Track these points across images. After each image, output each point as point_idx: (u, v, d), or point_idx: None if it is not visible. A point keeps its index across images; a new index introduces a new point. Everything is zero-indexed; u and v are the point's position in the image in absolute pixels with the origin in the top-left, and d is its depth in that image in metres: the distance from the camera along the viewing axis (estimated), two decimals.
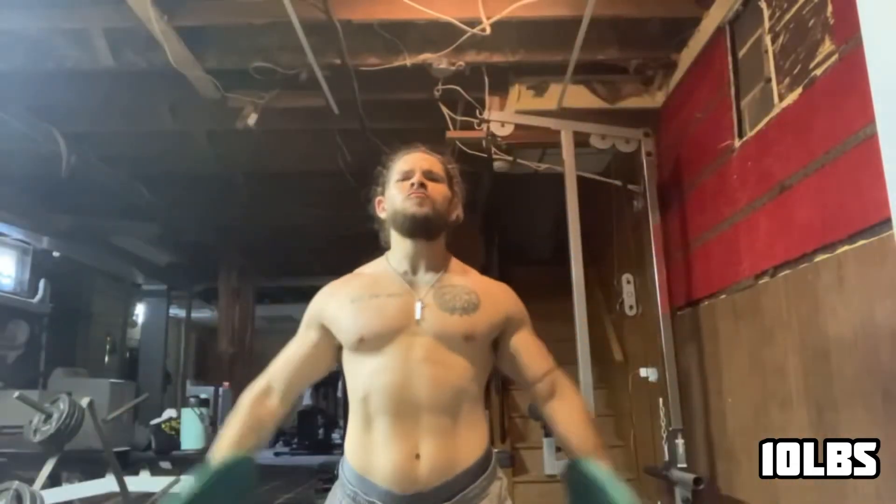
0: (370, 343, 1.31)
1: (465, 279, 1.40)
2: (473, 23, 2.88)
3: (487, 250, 5.74)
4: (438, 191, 1.39)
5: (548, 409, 1.42)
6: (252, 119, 3.38)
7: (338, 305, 1.37)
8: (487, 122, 3.30)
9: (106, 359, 8.23)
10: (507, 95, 3.45)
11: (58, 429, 2.45)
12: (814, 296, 2.00)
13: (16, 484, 2.06)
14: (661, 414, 3.06)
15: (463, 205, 1.48)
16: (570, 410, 1.41)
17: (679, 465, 2.83)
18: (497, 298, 1.40)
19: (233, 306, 8.11)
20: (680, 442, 2.87)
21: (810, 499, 2.02)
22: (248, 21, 2.96)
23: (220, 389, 8.00)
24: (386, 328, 1.31)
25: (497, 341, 1.41)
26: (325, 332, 1.38)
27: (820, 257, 1.96)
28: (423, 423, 1.26)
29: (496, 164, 3.55)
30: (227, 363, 8.05)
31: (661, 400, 3.06)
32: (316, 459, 7.62)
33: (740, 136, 2.52)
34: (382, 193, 1.46)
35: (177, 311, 10.11)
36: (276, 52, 3.15)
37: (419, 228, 1.36)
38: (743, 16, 2.55)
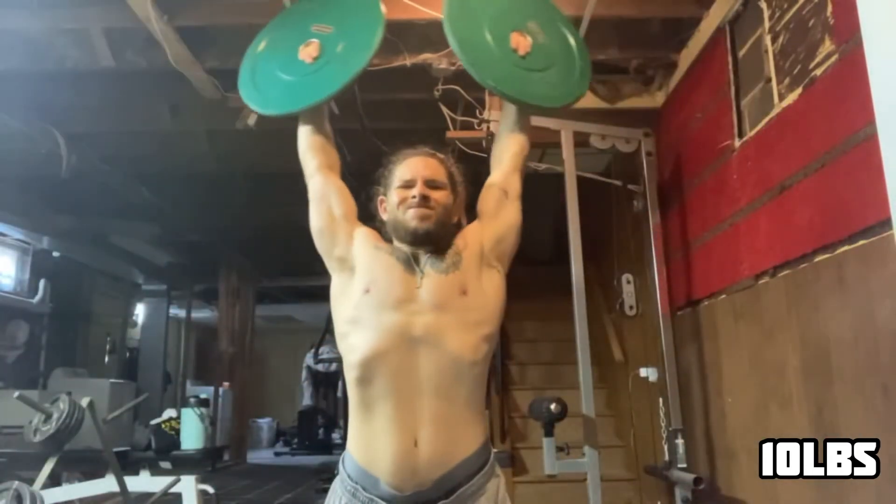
0: (373, 297, 1.33)
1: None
2: None
3: None
4: (440, 200, 1.40)
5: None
6: (252, 119, 3.38)
7: (367, 240, 1.42)
8: (487, 122, 3.30)
9: (106, 359, 8.22)
10: None
11: (58, 429, 2.44)
12: (814, 296, 2.00)
13: (16, 484, 2.05)
14: (661, 414, 3.06)
15: (465, 206, 1.50)
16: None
17: (679, 465, 2.83)
18: (468, 238, 1.45)
19: (233, 306, 8.11)
20: (680, 442, 2.87)
21: (810, 499, 2.02)
22: (248, 21, 2.96)
23: (221, 389, 8.01)
24: (390, 289, 1.33)
25: (498, 243, 1.47)
26: (345, 223, 1.45)
27: (820, 257, 1.96)
28: (422, 408, 1.27)
29: None
30: (227, 363, 8.04)
31: (661, 400, 3.06)
32: (316, 459, 7.63)
33: (740, 136, 2.52)
34: (384, 193, 1.46)
35: (177, 311, 10.11)
36: None
37: (420, 242, 1.39)
38: (743, 16, 2.55)
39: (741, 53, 2.56)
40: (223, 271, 8.15)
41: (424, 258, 1.39)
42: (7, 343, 6.35)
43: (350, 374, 1.33)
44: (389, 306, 1.31)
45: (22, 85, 3.53)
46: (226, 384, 8.11)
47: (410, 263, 1.38)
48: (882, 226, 1.63)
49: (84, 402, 2.52)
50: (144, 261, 8.15)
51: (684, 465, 2.83)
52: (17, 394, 2.45)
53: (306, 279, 8.23)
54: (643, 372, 3.21)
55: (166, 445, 7.93)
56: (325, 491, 1.41)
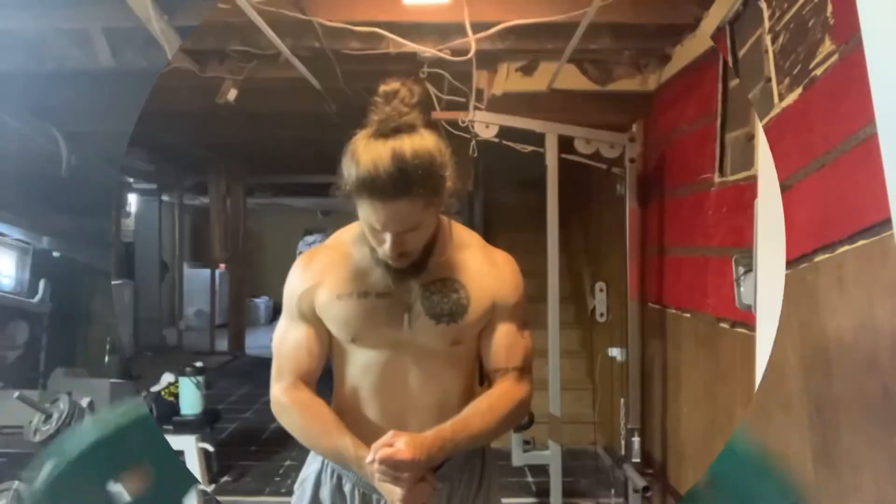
0: (361, 343, 1.32)
1: (456, 267, 1.31)
2: (461, 29, 2.84)
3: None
4: (418, 237, 1.22)
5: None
6: (232, 94, 3.32)
7: (327, 298, 1.30)
8: (472, 122, 3.26)
9: (106, 359, 8.21)
10: (495, 74, 3.37)
11: (58, 429, 2.45)
12: (814, 296, 2.00)
13: (16, 484, 2.06)
14: (623, 408, 3.19)
15: (456, 192, 1.25)
16: (492, 391, 1.32)
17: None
18: (487, 287, 1.31)
19: (224, 206, 7.97)
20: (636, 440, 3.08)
21: (810, 499, 2.02)
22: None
23: (217, 272, 8.19)
24: (377, 333, 1.30)
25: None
26: (319, 320, 1.33)
27: (820, 257, 1.96)
28: (411, 419, 1.30)
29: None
30: (222, 248, 7.96)
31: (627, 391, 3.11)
32: None
33: None
34: (347, 196, 1.20)
35: (169, 200, 9.71)
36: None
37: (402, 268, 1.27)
38: (743, 16, 2.55)
39: (741, 53, 2.56)
40: (212, 175, 7.96)
41: (415, 293, 1.28)
42: (7, 343, 6.35)
43: (339, 375, 1.37)
44: (379, 344, 1.31)
45: (22, 85, 3.53)
46: (222, 266, 8.33)
47: (394, 302, 1.28)
48: (882, 226, 1.63)
49: (84, 402, 2.52)
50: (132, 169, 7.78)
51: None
52: (17, 394, 2.45)
53: (296, 176, 8.18)
54: (611, 352, 3.35)
55: (167, 412, 7.97)
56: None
